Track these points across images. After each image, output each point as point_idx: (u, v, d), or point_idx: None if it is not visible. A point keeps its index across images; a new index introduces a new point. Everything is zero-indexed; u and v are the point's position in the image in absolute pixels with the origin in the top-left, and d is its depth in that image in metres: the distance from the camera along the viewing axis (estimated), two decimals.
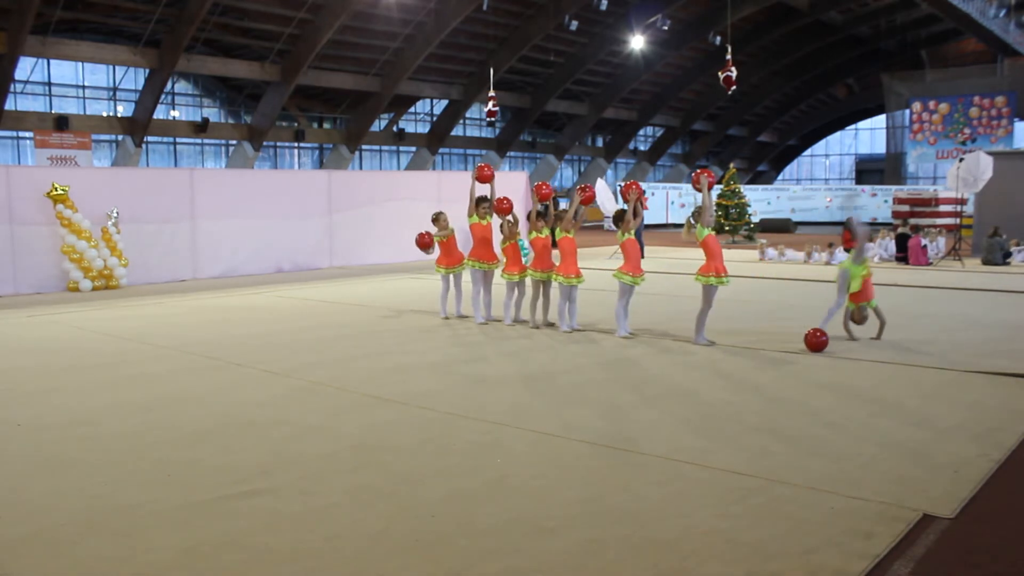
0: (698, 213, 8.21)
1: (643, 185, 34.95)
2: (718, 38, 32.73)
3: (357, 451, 4.81)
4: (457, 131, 39.19)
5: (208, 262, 14.88)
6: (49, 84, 29.50)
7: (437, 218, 9.84)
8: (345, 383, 6.48)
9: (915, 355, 7.44)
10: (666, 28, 31.81)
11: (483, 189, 9.54)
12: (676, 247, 21.73)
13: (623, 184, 8.80)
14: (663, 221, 33.99)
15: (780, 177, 58.65)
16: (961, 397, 5.97)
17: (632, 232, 8.49)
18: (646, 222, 18.95)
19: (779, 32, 37.94)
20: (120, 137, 29.91)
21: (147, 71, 28.01)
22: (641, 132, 47.89)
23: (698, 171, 8.32)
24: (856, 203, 36.21)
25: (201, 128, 30.84)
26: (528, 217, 9.45)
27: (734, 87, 21.66)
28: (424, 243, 9.82)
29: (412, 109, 39.00)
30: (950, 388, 6.25)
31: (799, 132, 55.61)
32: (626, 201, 8.57)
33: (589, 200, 8.93)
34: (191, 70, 28.98)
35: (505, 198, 9.59)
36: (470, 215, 9.52)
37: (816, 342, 7.64)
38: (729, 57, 21.66)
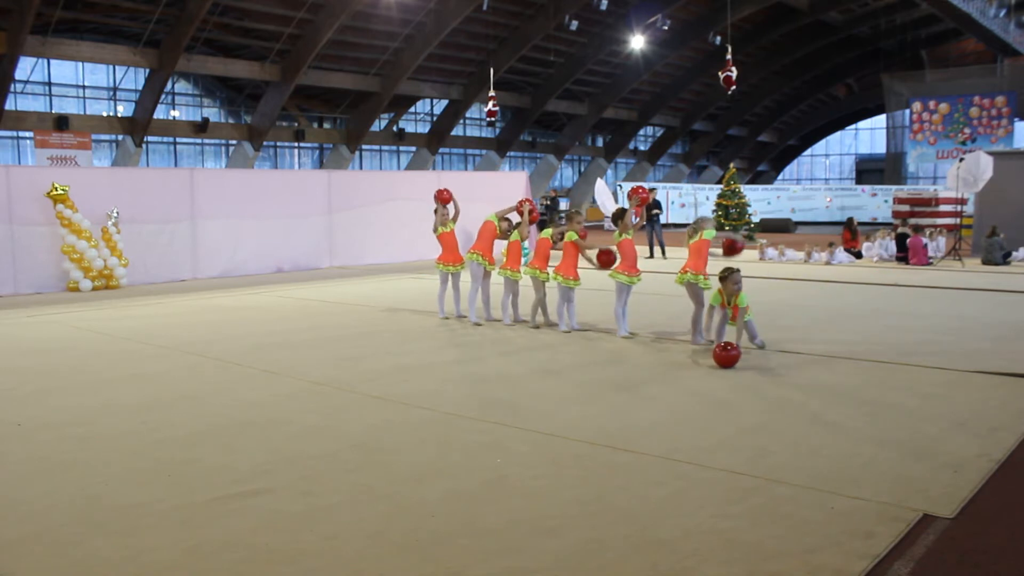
0: (700, 221, 8.28)
1: (642, 185, 35.03)
2: (718, 38, 32.71)
3: (357, 451, 4.81)
4: (457, 131, 39.18)
5: (208, 262, 14.88)
6: (49, 84, 29.49)
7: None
8: (345, 383, 6.48)
9: (915, 355, 7.44)
10: (666, 28, 31.80)
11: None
12: (676, 247, 21.69)
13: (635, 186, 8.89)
14: (663, 221, 33.95)
15: (780, 177, 58.63)
16: (961, 397, 5.97)
17: (630, 233, 8.50)
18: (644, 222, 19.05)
19: (779, 32, 37.92)
20: (120, 137, 29.90)
21: (147, 71, 27.99)
22: (641, 132, 47.87)
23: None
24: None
25: (201, 128, 30.83)
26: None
27: (734, 87, 21.66)
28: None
29: (412, 109, 38.99)
30: (950, 388, 6.24)
31: (799, 132, 55.59)
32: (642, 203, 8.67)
33: (606, 263, 8.74)
34: (191, 70, 28.97)
35: (533, 205, 9.82)
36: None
37: (726, 357, 7.01)
38: (729, 57, 21.65)
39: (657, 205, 20.11)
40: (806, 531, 3.62)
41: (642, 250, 18.66)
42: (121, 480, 4.34)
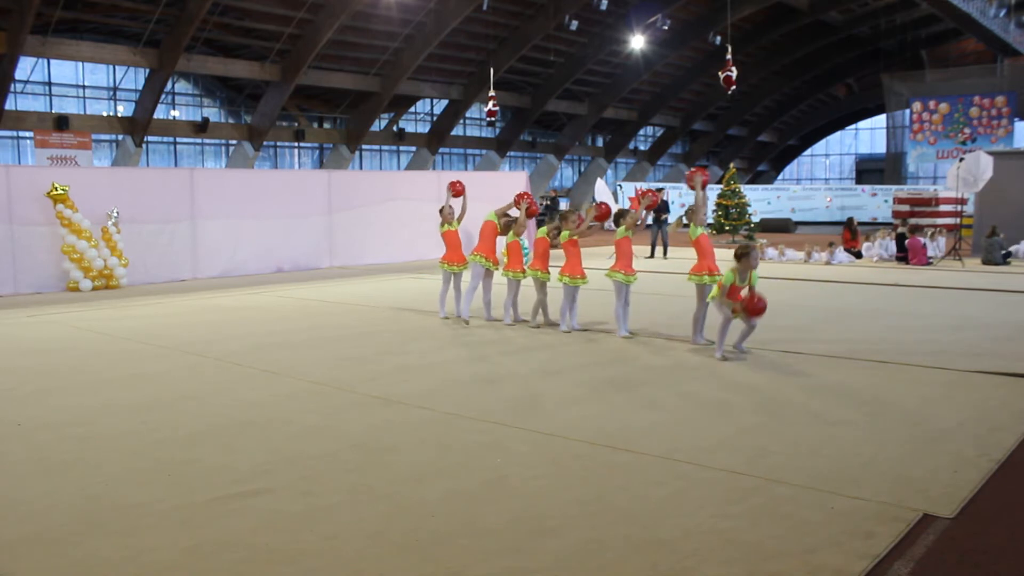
0: (691, 212, 8.23)
1: (642, 185, 35.05)
2: (718, 38, 32.73)
3: (357, 451, 4.80)
4: (457, 131, 39.19)
5: (208, 262, 14.88)
6: (49, 84, 29.50)
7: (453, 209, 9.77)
8: (345, 383, 6.48)
9: (915, 355, 7.44)
10: (666, 28, 31.80)
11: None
12: (677, 247, 21.71)
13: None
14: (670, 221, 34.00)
15: (780, 177, 58.63)
16: (961, 397, 5.97)
17: (631, 231, 8.51)
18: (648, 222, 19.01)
19: (779, 32, 37.93)
20: (120, 137, 29.91)
21: (147, 71, 28.00)
22: (641, 132, 47.88)
23: (692, 170, 8.35)
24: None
25: (201, 128, 30.84)
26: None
27: (734, 87, 21.67)
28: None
29: (412, 109, 38.99)
30: (950, 388, 6.24)
31: (799, 132, 55.59)
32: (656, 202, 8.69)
33: (603, 217, 8.96)
34: (191, 70, 28.98)
35: (531, 200, 9.76)
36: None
37: (754, 307, 7.16)
38: (729, 57, 21.67)
39: (665, 208, 20.10)
40: (806, 531, 3.62)
41: (643, 249, 18.68)
42: (121, 480, 4.34)
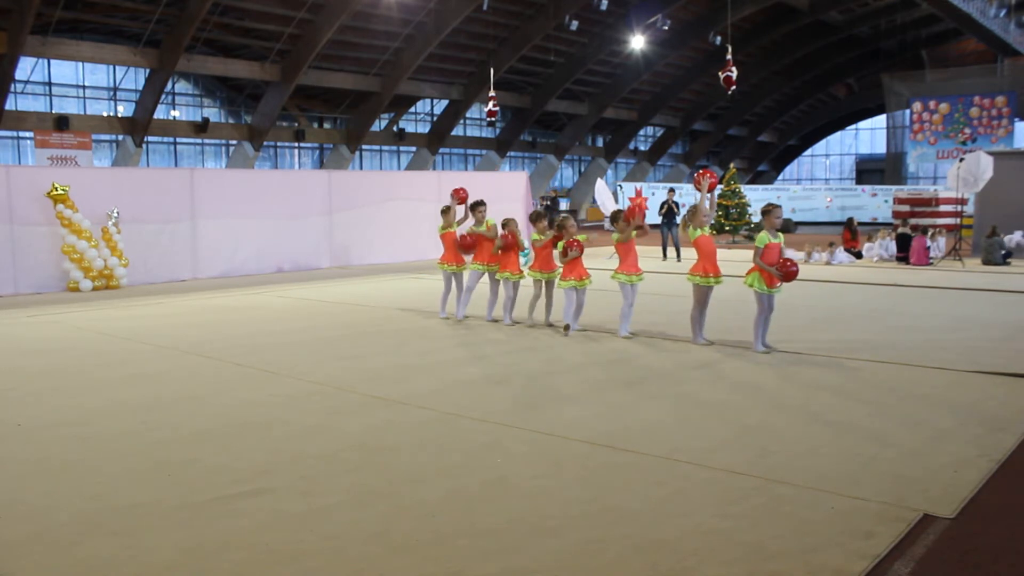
0: (691, 213, 8.23)
1: (643, 185, 35.03)
2: (718, 38, 32.75)
3: (357, 451, 4.80)
4: (457, 131, 39.20)
5: (208, 262, 14.88)
6: (49, 84, 29.50)
7: (448, 210, 9.85)
8: (345, 383, 6.48)
9: (915, 355, 7.44)
10: (666, 28, 31.82)
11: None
12: (686, 247, 21.69)
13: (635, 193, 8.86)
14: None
15: (780, 177, 58.65)
16: (961, 397, 5.97)
17: (631, 234, 8.51)
18: (648, 222, 18.57)
19: (779, 32, 37.95)
20: (120, 137, 29.92)
21: (147, 71, 28.02)
22: (641, 132, 47.89)
23: (701, 171, 8.34)
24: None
25: (201, 128, 30.84)
26: (530, 219, 9.48)
27: (734, 87, 21.66)
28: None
29: (412, 109, 39.01)
30: (950, 388, 6.24)
31: (799, 132, 55.61)
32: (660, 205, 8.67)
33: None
34: (191, 70, 28.99)
35: (510, 233, 9.50)
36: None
37: (788, 272, 7.46)
38: (729, 57, 21.67)
39: (676, 208, 19.81)
40: (806, 531, 3.62)
41: (654, 251, 18.52)
42: (121, 480, 4.34)
